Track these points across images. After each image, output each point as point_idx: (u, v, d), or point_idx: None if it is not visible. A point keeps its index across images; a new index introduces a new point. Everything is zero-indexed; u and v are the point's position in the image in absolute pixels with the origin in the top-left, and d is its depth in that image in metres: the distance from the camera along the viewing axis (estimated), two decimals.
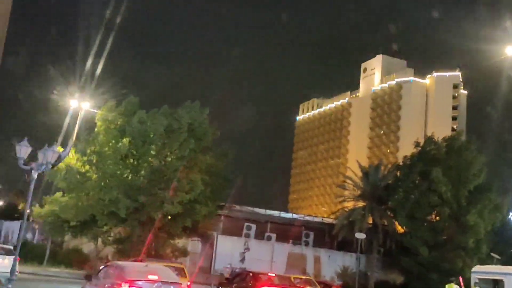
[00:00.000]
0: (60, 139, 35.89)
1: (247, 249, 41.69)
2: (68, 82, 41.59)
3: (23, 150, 13.93)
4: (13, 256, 21.31)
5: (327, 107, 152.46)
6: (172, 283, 13.14)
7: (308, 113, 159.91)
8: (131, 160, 32.64)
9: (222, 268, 38.67)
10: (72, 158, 32.15)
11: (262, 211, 48.37)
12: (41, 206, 34.27)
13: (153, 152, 32.53)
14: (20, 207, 59.01)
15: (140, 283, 12.51)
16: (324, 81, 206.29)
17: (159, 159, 32.70)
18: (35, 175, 12.83)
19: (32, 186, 12.59)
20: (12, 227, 51.56)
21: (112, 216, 32.35)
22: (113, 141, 32.31)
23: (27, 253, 43.37)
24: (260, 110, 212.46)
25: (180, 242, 37.03)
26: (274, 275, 21.74)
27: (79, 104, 41.27)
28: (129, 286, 12.44)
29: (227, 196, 39.38)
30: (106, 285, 13.11)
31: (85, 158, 31.96)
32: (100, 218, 32.35)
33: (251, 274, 21.63)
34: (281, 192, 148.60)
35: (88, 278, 14.77)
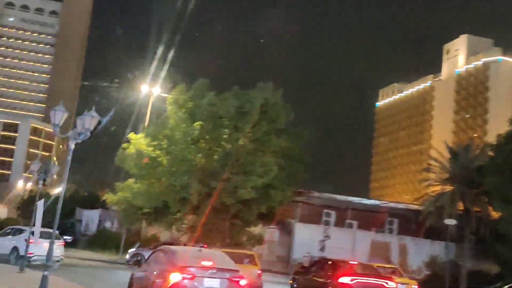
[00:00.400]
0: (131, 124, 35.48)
1: (327, 237, 39.63)
2: (139, 67, 41.38)
3: (57, 115, 12.27)
4: (59, 241, 23.33)
5: (408, 92, 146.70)
6: (229, 270, 11.61)
7: (388, 98, 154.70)
8: (203, 144, 31.33)
9: (301, 257, 37.06)
10: (142, 143, 31.28)
11: (342, 197, 46.01)
12: (114, 193, 33.70)
13: (225, 136, 31.07)
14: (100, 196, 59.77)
15: (192, 270, 11.00)
16: (404, 65, 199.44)
17: (231, 142, 31.15)
18: (72, 145, 11.14)
19: (69, 157, 10.99)
20: (91, 215, 52.21)
21: (184, 203, 31.24)
22: (184, 125, 31.13)
23: (106, 241, 43.80)
24: (339, 96, 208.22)
25: (256, 229, 35.44)
26: (356, 263, 19.55)
27: (149, 89, 40.99)
28: (180, 274, 10.91)
29: (304, 182, 37.53)
30: (155, 272, 11.72)
31: (155, 143, 30.94)
32: (172, 204, 31.30)
33: (330, 262, 19.54)
34: (362, 181, 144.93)
35: (137, 263, 13.40)
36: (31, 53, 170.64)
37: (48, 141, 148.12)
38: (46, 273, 12.05)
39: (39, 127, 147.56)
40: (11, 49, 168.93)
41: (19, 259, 21.04)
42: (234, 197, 29.96)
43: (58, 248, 22.05)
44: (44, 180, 18.79)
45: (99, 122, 10.86)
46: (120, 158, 32.02)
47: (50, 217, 59.26)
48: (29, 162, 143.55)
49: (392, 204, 50.74)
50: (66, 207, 62.31)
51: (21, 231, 24.29)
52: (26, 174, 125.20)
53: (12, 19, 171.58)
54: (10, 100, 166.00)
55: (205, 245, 19.54)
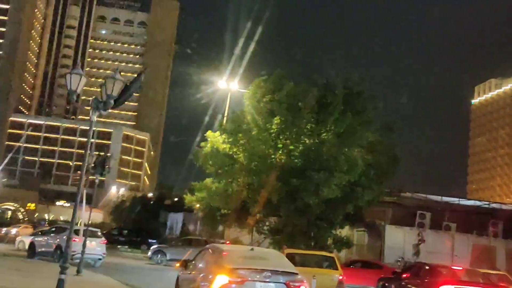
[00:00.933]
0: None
1: (422, 240, 36.14)
2: (217, 63, 40.24)
3: (74, 80, 10.05)
4: (100, 239, 23.75)
5: (508, 87, 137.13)
6: (286, 273, 9.65)
7: (485, 95, 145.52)
8: (282, 139, 29.13)
9: (394, 261, 33.99)
10: (218, 140, 29.61)
11: (437, 197, 42.28)
12: (192, 193, 32.24)
13: (305, 130, 28.70)
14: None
15: (242, 272, 9.27)
16: (502, 58, 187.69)
17: (312, 136, 28.72)
18: (93, 117, 9.06)
19: (90, 133, 9.04)
20: (176, 218, 51.82)
21: (264, 203, 29.11)
22: (262, 120, 29.11)
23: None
24: (431, 94, 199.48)
25: (342, 232, 32.67)
26: (460, 268, 16.53)
27: (227, 85, 39.46)
28: (227, 277, 9.13)
29: (395, 181, 34.43)
30: (201, 275, 10.02)
31: (230, 139, 29.15)
32: (251, 205, 29.31)
33: (427, 267, 16.63)
34: (458, 183, 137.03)
35: (183, 264, 11.64)
36: (122, 64, 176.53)
37: (139, 148, 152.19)
38: (63, 276, 10.44)
39: (131, 134, 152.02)
40: (103, 61, 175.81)
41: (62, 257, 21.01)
42: (317, 196, 27.41)
43: (100, 246, 23.02)
44: (101, 174, 17.37)
45: (127, 88, 8.84)
46: (196, 156, 30.53)
47: (137, 220, 59.56)
48: (122, 168, 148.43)
49: (495, 205, 46.17)
50: (152, 211, 62.98)
51: (64, 230, 24.24)
52: (118, 180, 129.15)
53: (104, 32, 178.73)
54: None
55: (227, 242, 17.51)
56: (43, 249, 24.55)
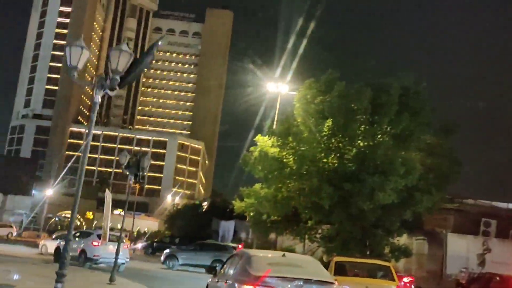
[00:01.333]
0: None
1: (488, 250, 33.78)
2: (267, 68, 39.28)
3: (74, 53, 8.61)
4: (124, 244, 23.97)
5: None
6: (320, 282, 8.51)
7: None
8: (334, 142, 27.71)
9: (457, 272, 31.83)
10: (267, 143, 28.51)
11: (503, 204, 39.62)
12: (241, 199, 31.21)
13: (359, 132, 27.19)
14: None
15: (270, 281, 8.27)
16: None
17: (366, 139, 27.16)
18: (98, 97, 7.81)
19: (94, 114, 7.87)
20: (228, 226, 50.97)
21: (316, 209, 27.73)
22: (313, 122, 27.82)
23: None
24: (495, 98, 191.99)
25: (400, 240, 30.79)
26: None
27: (277, 87, 38.35)
28: (254, 287, 8.21)
29: (457, 186, 32.30)
30: (227, 283, 9.16)
31: (279, 142, 27.97)
32: (302, 211, 27.97)
33: (498, 278, 14.86)
34: None
35: (211, 271, 10.72)
36: (177, 74, 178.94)
37: (194, 157, 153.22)
38: (59, 285, 9.25)
39: (186, 143, 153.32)
40: (159, 71, 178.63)
41: (87, 261, 22.83)
42: (371, 202, 25.77)
43: (123, 251, 22.76)
44: (136, 176, 16.49)
45: (137, 63, 7.72)
46: (245, 161, 29.48)
47: (189, 228, 59.18)
48: (177, 177, 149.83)
49: None
50: (204, 218, 62.54)
51: (89, 234, 25.26)
52: (174, 189, 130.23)
53: (161, 43, 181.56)
54: (159, 120, 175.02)
55: (241, 245, 16.20)
56: None
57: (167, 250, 33.73)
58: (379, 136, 27.20)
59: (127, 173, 16.48)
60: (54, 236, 36.12)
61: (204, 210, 66.20)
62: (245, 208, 30.40)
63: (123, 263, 23.41)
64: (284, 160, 27.91)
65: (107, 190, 19.69)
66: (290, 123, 28.54)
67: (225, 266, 10.48)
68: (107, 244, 20.71)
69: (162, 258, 31.01)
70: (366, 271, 12.81)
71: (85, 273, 18.24)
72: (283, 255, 9.79)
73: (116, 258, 17.28)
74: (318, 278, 8.77)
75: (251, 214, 30.49)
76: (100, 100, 7.60)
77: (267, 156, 27.88)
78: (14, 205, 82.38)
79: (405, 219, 28.15)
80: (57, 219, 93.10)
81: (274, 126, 33.44)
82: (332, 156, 27.71)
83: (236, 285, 8.66)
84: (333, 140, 27.90)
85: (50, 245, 31.34)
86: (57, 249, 26.23)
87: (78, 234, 26.51)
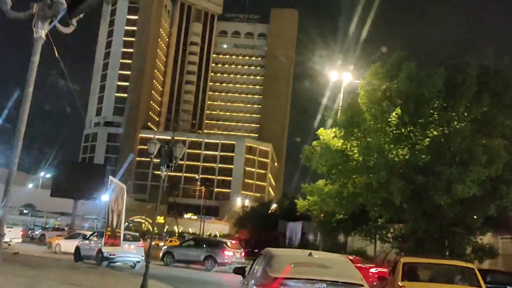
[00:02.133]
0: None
1: None
2: (333, 63, 36.90)
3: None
4: (138, 243, 24.76)
5: None
6: (347, 284, 7.60)
7: None
8: (404, 131, 24.96)
9: None
10: (329, 135, 26.15)
11: None
12: (304, 198, 29.00)
13: (432, 118, 24.34)
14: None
15: (290, 283, 7.58)
16: None
17: (441, 125, 24.25)
18: (41, 32, 5.69)
19: (36, 56, 5.86)
20: (295, 228, 48.76)
21: (386, 206, 25.10)
22: (379, 110, 25.20)
23: None
24: None
25: (484, 239, 27.53)
26: None
27: (339, 76, 35.77)
28: None
29: None
30: (249, 284, 8.42)
31: (343, 133, 25.55)
32: (370, 208, 25.40)
33: None
34: None
35: (238, 271, 9.67)
36: (244, 76, 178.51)
37: (263, 159, 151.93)
38: None
39: (254, 145, 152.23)
40: (226, 74, 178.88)
41: (103, 260, 23.47)
42: (449, 196, 22.85)
43: (137, 249, 24.39)
44: (168, 166, 14.67)
45: None
46: (307, 155, 27.23)
47: (257, 231, 57.31)
48: (246, 180, 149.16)
49: None
50: (272, 220, 60.70)
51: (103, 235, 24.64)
52: (243, 192, 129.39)
53: (226, 46, 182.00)
54: (227, 123, 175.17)
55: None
56: (86, 253, 25.96)
57: (165, 247, 33.66)
58: (455, 123, 24.25)
59: (159, 164, 14.72)
60: (66, 236, 36.38)
61: (270, 212, 64.43)
62: (308, 206, 28.17)
63: (138, 261, 24.19)
64: (349, 152, 25.51)
65: (117, 181, 18.31)
66: (354, 112, 26.01)
67: (252, 266, 9.49)
68: (122, 243, 20.88)
69: (160, 254, 30.28)
70: (443, 274, 10.23)
71: (109, 275, 17.10)
72: (309, 254, 8.74)
73: (148, 262, 15.26)
74: (345, 280, 7.81)
75: (314, 212, 28.24)
76: (44, 36, 5.62)
77: (329, 149, 25.55)
78: (85, 211, 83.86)
79: (489, 215, 24.92)
80: (129, 224, 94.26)
81: (338, 115, 31.04)
82: (402, 146, 25.02)
83: (257, 287, 7.95)
84: (402, 129, 25.22)
85: (64, 244, 32.34)
86: (77, 248, 26.81)
87: (95, 234, 27.27)
